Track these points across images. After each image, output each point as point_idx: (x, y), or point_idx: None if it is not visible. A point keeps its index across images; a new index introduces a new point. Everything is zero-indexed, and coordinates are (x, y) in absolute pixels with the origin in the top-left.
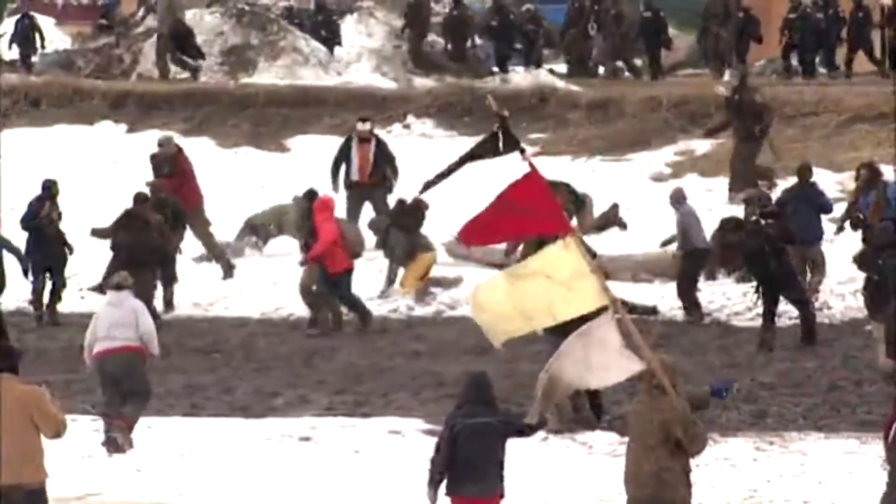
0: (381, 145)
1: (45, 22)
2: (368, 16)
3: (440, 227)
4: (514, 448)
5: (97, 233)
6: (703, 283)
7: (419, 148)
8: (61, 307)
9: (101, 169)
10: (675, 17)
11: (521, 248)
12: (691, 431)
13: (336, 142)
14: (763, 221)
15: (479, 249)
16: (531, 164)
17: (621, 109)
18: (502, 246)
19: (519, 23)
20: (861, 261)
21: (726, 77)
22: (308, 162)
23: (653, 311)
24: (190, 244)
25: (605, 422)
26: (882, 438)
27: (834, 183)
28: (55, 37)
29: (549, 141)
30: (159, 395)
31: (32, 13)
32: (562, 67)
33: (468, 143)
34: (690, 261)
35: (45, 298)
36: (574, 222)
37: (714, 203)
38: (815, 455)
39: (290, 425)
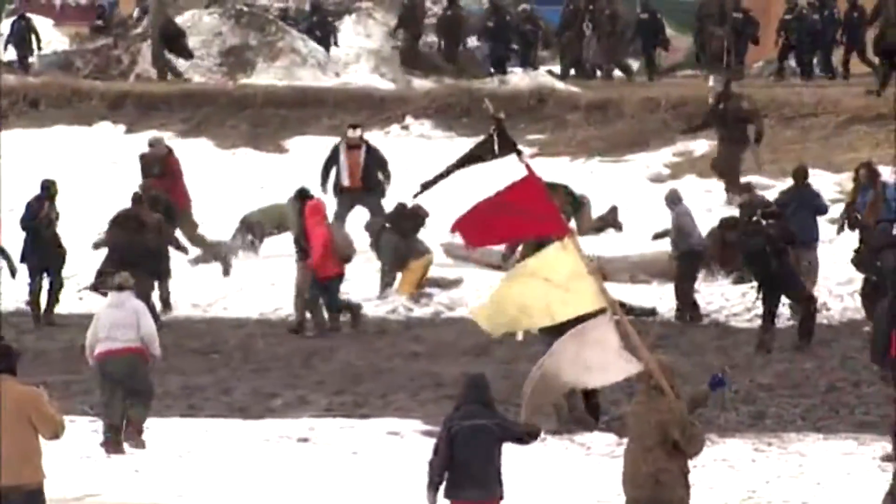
0: (371, 150)
1: (43, 23)
2: (367, 17)
3: (438, 228)
4: (513, 449)
5: (98, 245)
6: (701, 284)
7: (417, 149)
8: (59, 308)
9: (100, 169)
10: (673, 18)
11: (519, 248)
12: (688, 432)
13: (334, 143)
14: (764, 221)
15: (477, 250)
16: (528, 167)
17: (620, 110)
18: (501, 247)
19: (515, 23)
20: (859, 262)
21: (710, 83)
22: (306, 163)
23: (651, 312)
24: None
25: (603, 422)
26: (890, 437)
27: (833, 184)
28: (53, 38)
29: (547, 142)
30: (157, 395)
31: (28, 15)
32: (558, 69)
33: (466, 144)
34: (685, 262)
35: (42, 299)
36: (573, 224)
37: (713, 204)
38: (814, 456)
39: (289, 426)
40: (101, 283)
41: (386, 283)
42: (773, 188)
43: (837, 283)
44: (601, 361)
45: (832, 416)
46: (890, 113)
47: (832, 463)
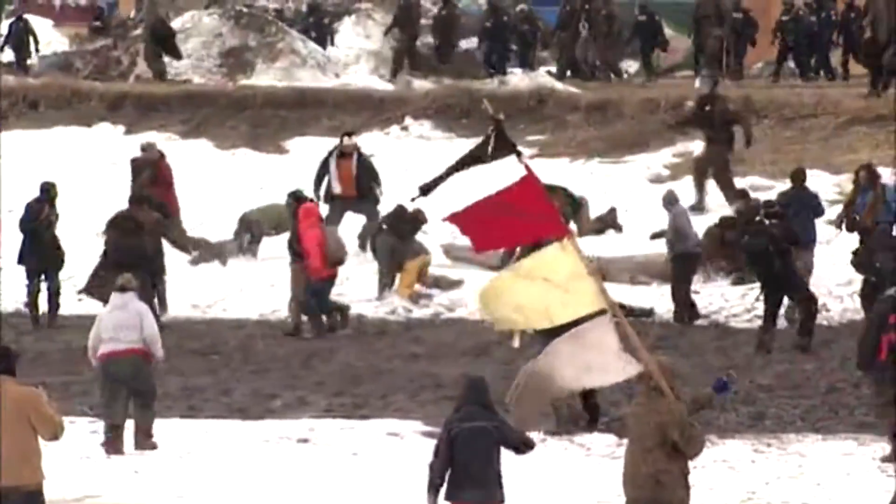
0: (361, 159)
1: (43, 24)
2: (366, 17)
3: (439, 229)
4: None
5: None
6: (700, 285)
7: (417, 150)
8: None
9: (100, 170)
10: (672, 19)
11: (518, 250)
12: (688, 434)
13: (334, 144)
14: (767, 221)
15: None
16: (528, 168)
17: (620, 111)
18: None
19: (513, 24)
20: (858, 263)
21: (697, 84)
22: (306, 163)
23: (649, 313)
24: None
25: (603, 423)
26: (889, 439)
27: (832, 185)
28: (53, 38)
29: (547, 143)
30: (158, 396)
31: (26, 16)
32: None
33: (466, 144)
34: (680, 263)
35: (41, 301)
36: (572, 226)
37: (713, 204)
38: (814, 457)
39: (289, 427)
40: (93, 287)
41: (384, 284)
42: (773, 189)
43: (837, 284)
44: (601, 363)
45: (832, 416)
46: (890, 114)
47: (832, 464)
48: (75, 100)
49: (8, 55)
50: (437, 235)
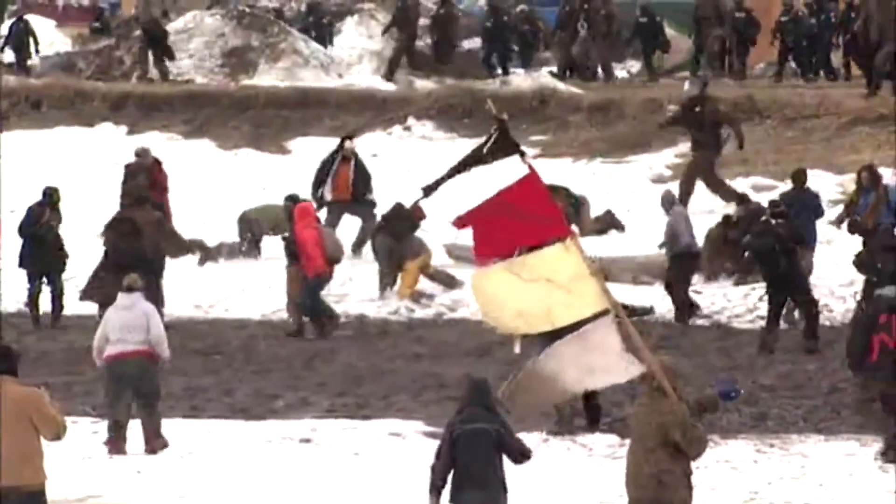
0: (359, 162)
1: (45, 24)
2: (369, 18)
3: (440, 228)
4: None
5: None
6: (702, 285)
7: (419, 150)
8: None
9: (102, 171)
10: (674, 20)
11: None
12: (689, 434)
13: (336, 144)
14: (773, 221)
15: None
16: (531, 167)
17: (622, 112)
18: None
19: (513, 24)
20: (860, 263)
21: (686, 86)
22: (308, 164)
23: (649, 311)
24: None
25: (605, 424)
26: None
27: (834, 185)
28: (56, 39)
29: (549, 143)
30: (160, 397)
31: (27, 17)
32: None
33: (468, 145)
34: (679, 263)
35: (42, 303)
36: (573, 227)
37: (715, 205)
38: (816, 457)
39: (291, 427)
40: (93, 288)
41: (385, 283)
42: (775, 189)
43: (839, 285)
44: (604, 363)
45: (834, 417)
46: (891, 114)
47: (834, 464)
48: (78, 100)
49: (8, 56)
50: (438, 235)
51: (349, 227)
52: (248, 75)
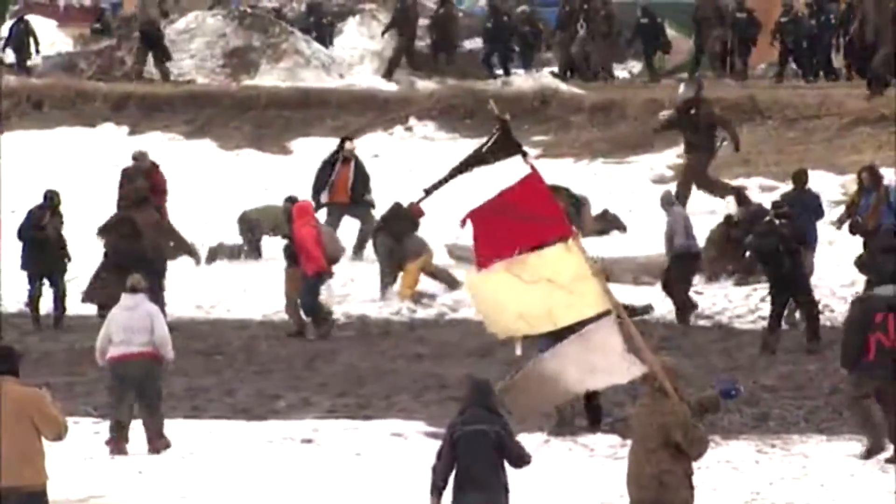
0: (358, 164)
1: (47, 24)
2: (371, 18)
3: (441, 228)
4: None
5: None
6: (704, 286)
7: (421, 150)
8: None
9: (103, 171)
10: (676, 20)
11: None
12: (691, 435)
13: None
14: (777, 221)
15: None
16: (533, 168)
17: (623, 112)
18: None
19: (514, 25)
20: (861, 264)
21: (681, 89)
22: (310, 164)
23: (647, 309)
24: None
25: (607, 424)
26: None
27: (836, 185)
28: (57, 39)
29: (551, 143)
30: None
31: (27, 17)
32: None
33: (470, 145)
34: (678, 264)
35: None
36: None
37: (716, 205)
38: (817, 457)
39: (292, 428)
40: (94, 289)
41: (386, 283)
42: (777, 189)
43: (841, 286)
44: (605, 364)
45: (836, 417)
46: (892, 115)
47: (836, 464)
48: (79, 100)
49: (9, 56)
50: (440, 235)
51: (349, 229)
52: (249, 76)
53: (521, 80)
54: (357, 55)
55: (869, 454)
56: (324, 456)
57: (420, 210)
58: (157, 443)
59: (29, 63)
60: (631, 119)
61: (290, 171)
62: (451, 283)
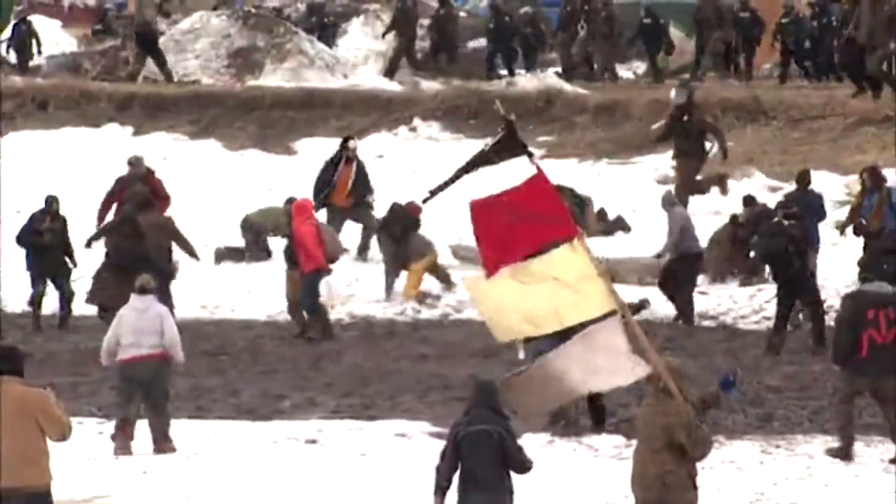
0: (359, 165)
1: (51, 24)
2: (375, 18)
3: (446, 229)
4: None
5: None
6: (708, 287)
7: (425, 151)
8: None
9: (108, 171)
10: (679, 21)
11: None
12: (694, 436)
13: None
14: (786, 222)
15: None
16: (539, 168)
17: (628, 112)
18: None
19: (516, 26)
20: (864, 266)
21: (672, 94)
22: (314, 164)
23: (644, 305)
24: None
25: (611, 424)
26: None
27: (840, 186)
28: (61, 39)
29: (555, 144)
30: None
31: (29, 18)
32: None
33: (475, 146)
34: (679, 265)
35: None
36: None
37: (721, 206)
38: (822, 458)
39: (297, 428)
40: (96, 290)
41: (390, 283)
42: (781, 190)
43: (845, 286)
44: (610, 365)
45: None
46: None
47: (840, 465)
48: (83, 101)
49: (11, 57)
50: (444, 235)
51: (351, 230)
52: (253, 76)
53: (526, 81)
54: (361, 55)
55: (831, 453)
56: (328, 456)
57: (417, 207)
58: (163, 445)
59: (31, 64)
60: (635, 119)
61: (295, 172)
62: (448, 284)
